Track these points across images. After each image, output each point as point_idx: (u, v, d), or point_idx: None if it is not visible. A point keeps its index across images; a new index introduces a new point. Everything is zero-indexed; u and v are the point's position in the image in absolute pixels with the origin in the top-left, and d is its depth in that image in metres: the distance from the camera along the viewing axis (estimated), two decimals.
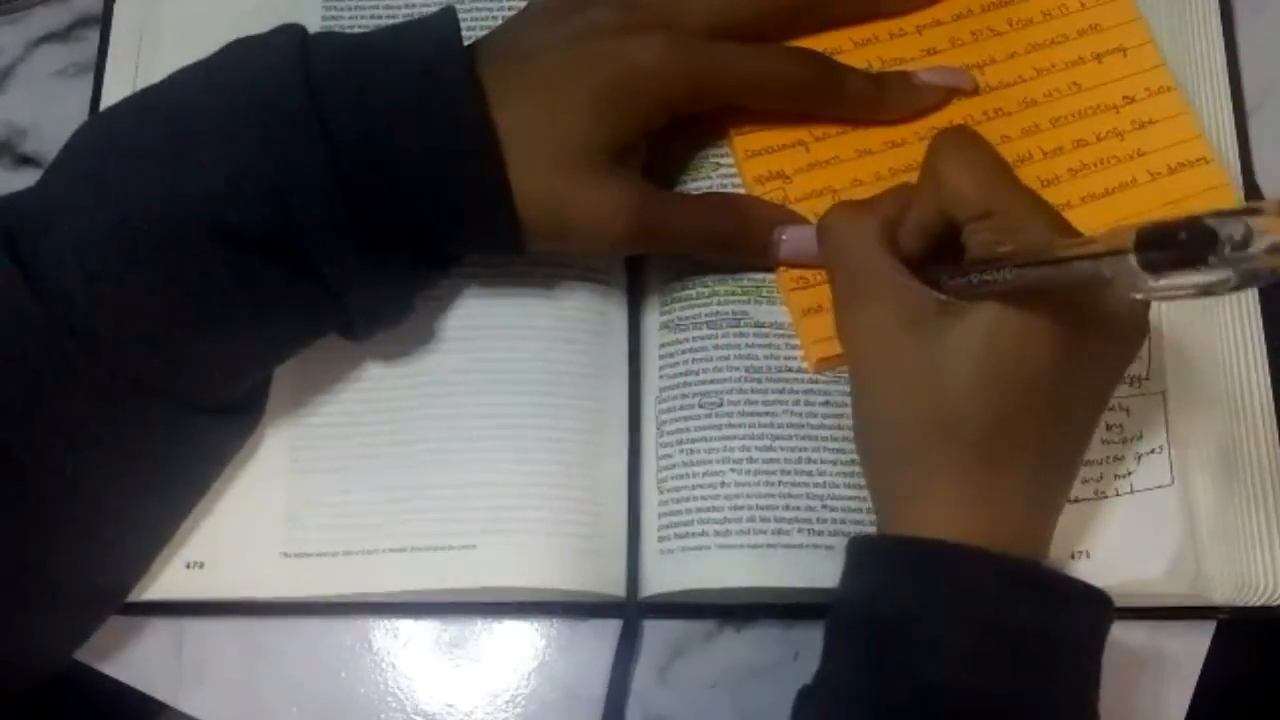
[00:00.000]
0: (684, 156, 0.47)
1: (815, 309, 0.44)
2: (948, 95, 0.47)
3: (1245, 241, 0.26)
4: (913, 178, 0.45)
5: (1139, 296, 0.29)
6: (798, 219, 0.45)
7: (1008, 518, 0.37)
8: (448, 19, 0.41)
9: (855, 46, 0.48)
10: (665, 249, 0.45)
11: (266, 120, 0.38)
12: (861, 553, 0.39)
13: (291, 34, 0.40)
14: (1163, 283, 0.28)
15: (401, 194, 0.39)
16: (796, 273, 0.45)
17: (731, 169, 0.47)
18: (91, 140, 0.40)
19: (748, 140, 0.46)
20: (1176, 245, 0.27)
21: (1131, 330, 0.38)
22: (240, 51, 0.40)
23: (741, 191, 0.46)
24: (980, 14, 0.48)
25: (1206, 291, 0.27)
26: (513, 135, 0.40)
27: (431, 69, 0.39)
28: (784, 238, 0.44)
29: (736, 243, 0.44)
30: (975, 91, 0.47)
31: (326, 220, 0.38)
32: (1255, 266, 0.27)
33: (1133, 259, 0.28)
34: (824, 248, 0.42)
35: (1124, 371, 0.39)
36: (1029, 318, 0.36)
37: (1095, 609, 0.37)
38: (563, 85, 0.41)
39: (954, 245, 0.39)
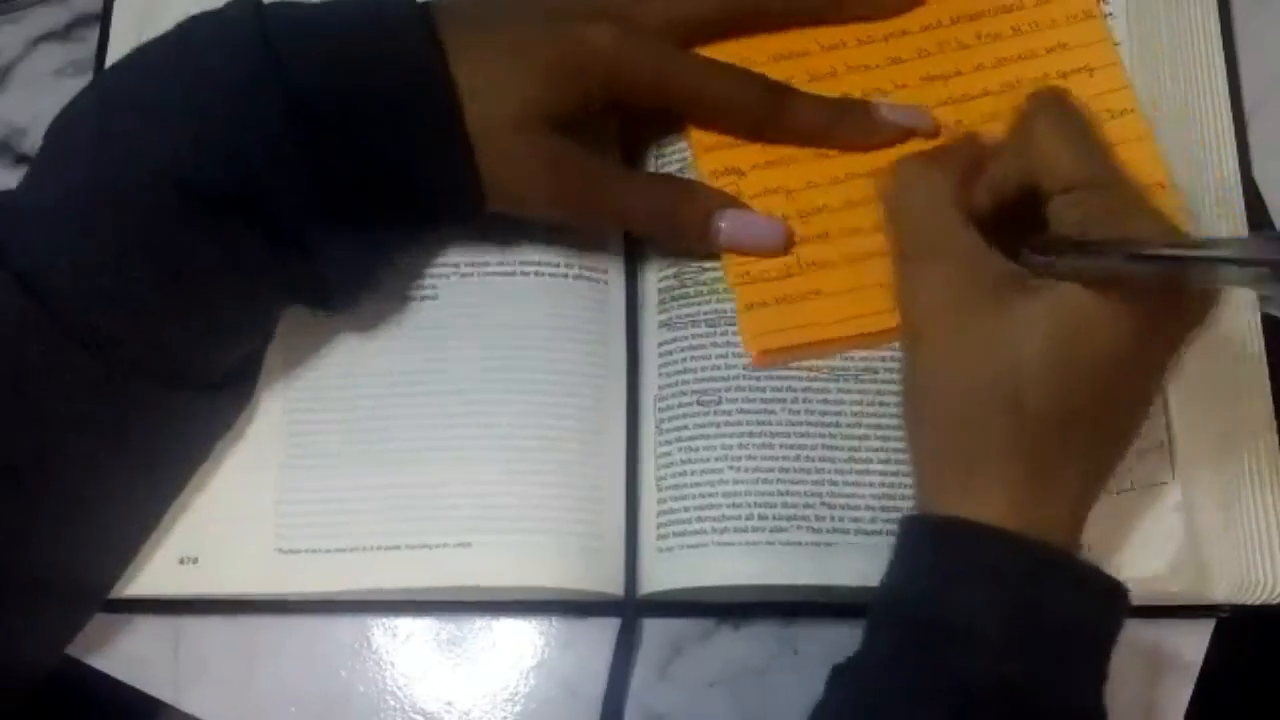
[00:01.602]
0: (651, 149, 0.47)
1: (760, 303, 0.44)
2: (904, 135, 0.46)
3: None
4: (872, 183, 0.44)
5: (1270, 310, 0.29)
6: (741, 205, 0.45)
7: (1052, 502, 0.36)
8: None
9: (822, 50, 0.47)
10: (613, 222, 0.46)
11: (226, 82, 0.38)
12: (907, 530, 0.38)
13: (246, 2, 0.40)
14: None
15: (361, 149, 0.40)
16: (742, 267, 0.45)
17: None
18: (59, 128, 0.40)
19: (704, 134, 0.46)
20: None
21: (1191, 328, 0.37)
22: (197, 23, 0.40)
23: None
24: (949, 26, 0.48)
25: None
26: (469, 91, 0.40)
27: (390, 24, 0.40)
28: (723, 224, 0.44)
29: (674, 222, 0.44)
30: (935, 134, 0.46)
31: (288, 178, 0.38)
32: None
33: None
34: (890, 202, 0.41)
35: (1171, 367, 0.39)
36: (1114, 309, 0.35)
37: (1114, 601, 0.37)
38: (520, 50, 0.41)
39: (1024, 210, 0.38)
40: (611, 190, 0.44)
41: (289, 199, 0.39)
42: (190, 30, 0.40)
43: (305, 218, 0.39)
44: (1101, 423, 0.37)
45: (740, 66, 0.46)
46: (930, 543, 0.37)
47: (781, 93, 0.45)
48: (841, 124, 0.46)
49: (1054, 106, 0.38)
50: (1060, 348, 0.35)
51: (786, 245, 0.45)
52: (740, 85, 0.45)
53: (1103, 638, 0.36)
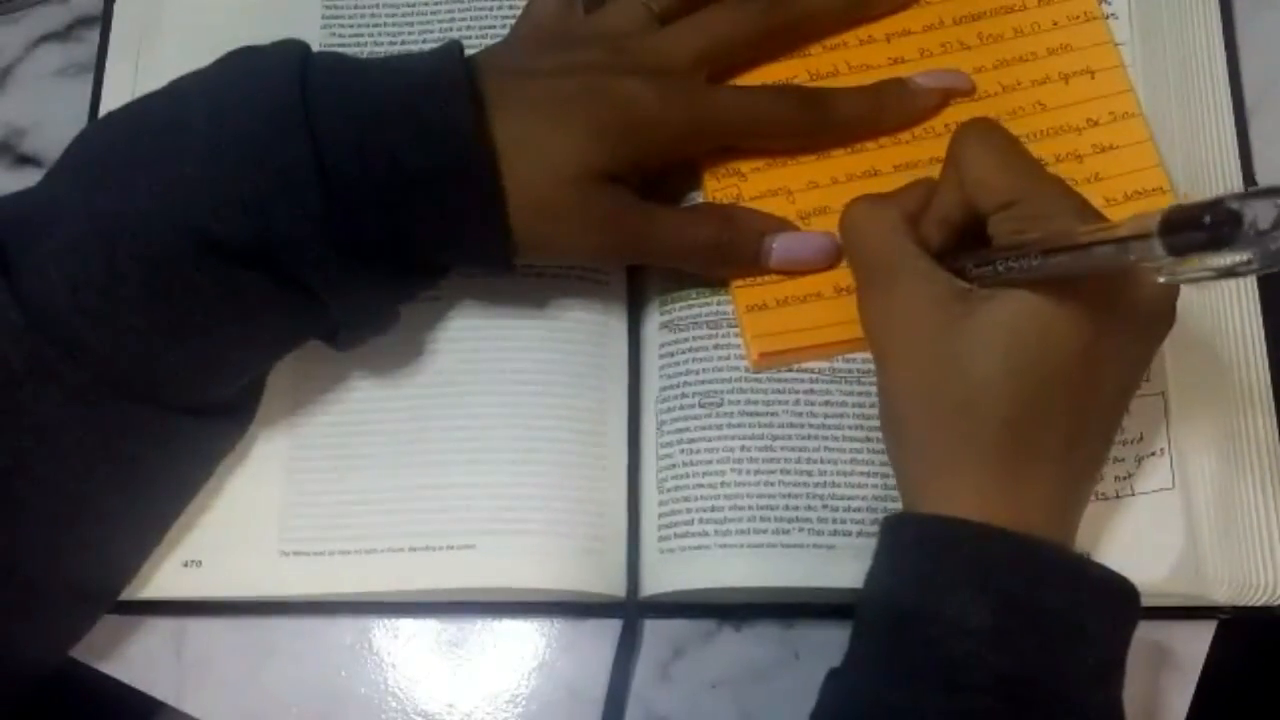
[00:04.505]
0: None
1: (760, 306, 0.44)
2: (944, 98, 0.47)
3: (1270, 223, 0.27)
4: (870, 183, 0.45)
5: (1163, 280, 0.30)
6: (787, 225, 0.45)
7: (1033, 502, 0.37)
8: (451, 44, 0.41)
9: (824, 50, 0.47)
10: (656, 260, 0.45)
11: (257, 134, 0.38)
12: (891, 530, 0.39)
13: (292, 49, 0.40)
14: (1187, 265, 0.29)
15: (391, 204, 0.39)
16: None
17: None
18: (87, 147, 0.40)
19: None
20: (1201, 228, 0.28)
21: (1157, 319, 0.38)
22: (239, 62, 0.40)
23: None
24: (951, 26, 0.48)
25: (1229, 273, 0.28)
26: (510, 147, 0.40)
27: (429, 80, 0.40)
28: (775, 245, 0.44)
29: (727, 251, 0.44)
30: (971, 92, 0.47)
31: (311, 235, 0.38)
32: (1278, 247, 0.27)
33: (1158, 242, 0.29)
34: (846, 240, 0.43)
35: (1149, 361, 0.39)
36: (1056, 305, 0.36)
37: (1117, 594, 0.37)
38: (564, 106, 0.41)
39: (977, 238, 0.39)
40: (657, 234, 0.43)
41: (310, 254, 0.38)
42: (230, 70, 0.40)
43: (325, 272, 0.39)
44: (1075, 421, 0.37)
45: (772, 85, 0.46)
46: (915, 541, 0.38)
47: (819, 98, 0.45)
48: (884, 107, 0.46)
49: (978, 132, 0.40)
50: (1011, 348, 0.36)
51: (835, 260, 0.44)
52: (780, 105, 0.45)
53: (1100, 631, 0.36)
